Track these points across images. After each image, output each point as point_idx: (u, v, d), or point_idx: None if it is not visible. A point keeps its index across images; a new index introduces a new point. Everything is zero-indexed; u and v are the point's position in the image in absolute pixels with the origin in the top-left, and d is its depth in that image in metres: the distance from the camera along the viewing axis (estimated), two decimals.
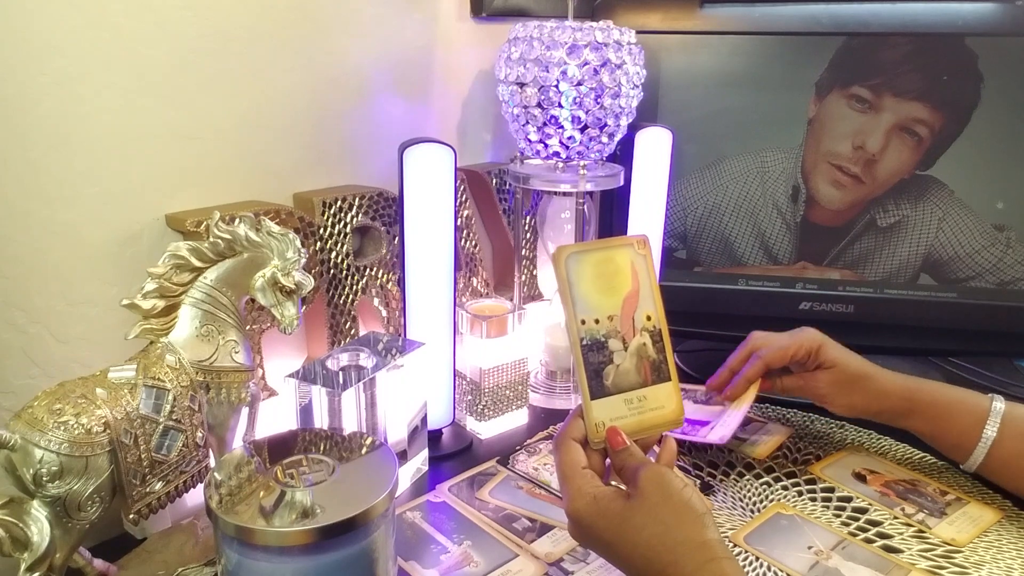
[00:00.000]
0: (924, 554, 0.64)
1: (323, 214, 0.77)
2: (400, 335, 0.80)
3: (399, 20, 0.85)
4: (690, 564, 0.47)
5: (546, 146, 0.81)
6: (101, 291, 0.66)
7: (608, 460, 0.54)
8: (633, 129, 0.85)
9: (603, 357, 0.54)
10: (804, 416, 0.87)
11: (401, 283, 0.77)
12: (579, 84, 0.76)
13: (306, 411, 0.65)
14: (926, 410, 0.71)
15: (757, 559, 0.63)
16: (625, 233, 0.89)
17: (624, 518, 0.49)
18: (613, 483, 0.54)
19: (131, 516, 0.56)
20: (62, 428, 0.51)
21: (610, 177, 0.83)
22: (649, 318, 0.55)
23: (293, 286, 0.62)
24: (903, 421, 0.73)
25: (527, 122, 0.80)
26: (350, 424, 0.65)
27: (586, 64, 0.75)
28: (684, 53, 0.91)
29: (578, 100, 0.77)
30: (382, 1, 0.82)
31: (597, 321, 0.54)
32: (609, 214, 0.92)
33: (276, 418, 0.73)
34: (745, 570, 0.62)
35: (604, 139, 0.81)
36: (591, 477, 0.52)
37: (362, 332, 0.82)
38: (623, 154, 0.87)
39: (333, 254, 0.78)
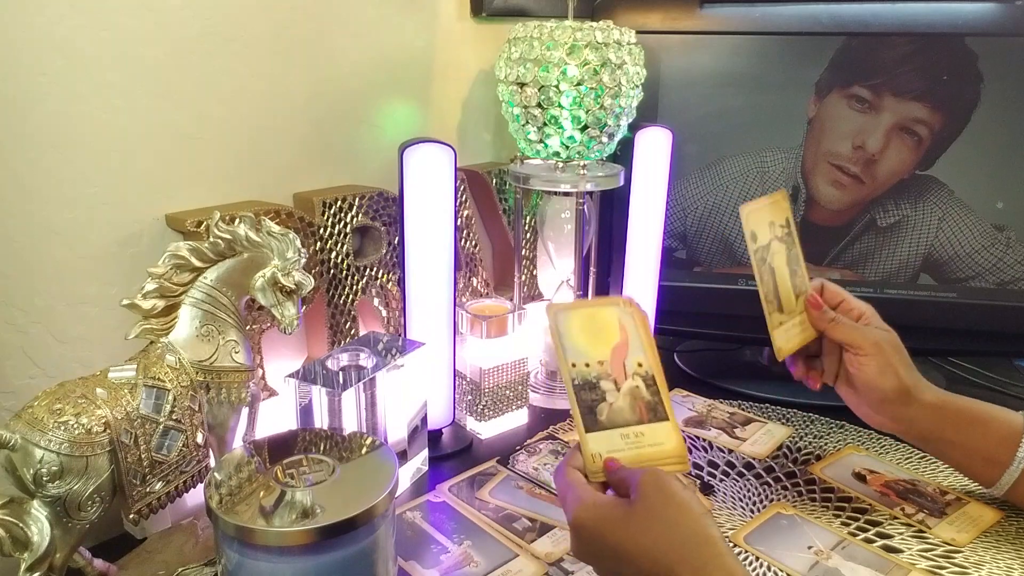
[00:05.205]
0: (924, 554, 0.64)
1: (323, 214, 0.77)
2: (400, 335, 0.80)
3: (399, 20, 0.85)
4: (697, 560, 0.47)
5: (546, 146, 0.81)
6: (101, 291, 0.66)
7: (609, 490, 0.55)
8: (633, 129, 0.85)
9: (595, 395, 0.55)
10: (804, 416, 0.87)
11: (401, 283, 0.77)
12: (579, 84, 0.76)
13: (306, 411, 0.65)
14: (955, 419, 0.66)
15: (757, 559, 0.63)
16: (625, 233, 0.89)
17: (627, 522, 0.49)
18: None
19: (131, 516, 0.56)
20: (62, 428, 0.51)
21: (610, 177, 0.83)
22: (640, 364, 0.57)
23: (293, 286, 0.62)
24: (928, 444, 0.69)
25: (527, 122, 0.80)
26: (350, 424, 0.65)
27: (586, 64, 0.75)
28: (684, 53, 0.91)
29: (578, 100, 0.77)
30: (382, 1, 0.82)
31: (587, 365, 0.56)
32: (609, 214, 0.92)
33: (276, 418, 0.73)
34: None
35: (604, 139, 0.81)
36: (591, 488, 0.53)
37: (362, 332, 0.82)
38: (623, 154, 0.87)
39: (333, 254, 0.78)
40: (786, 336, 0.70)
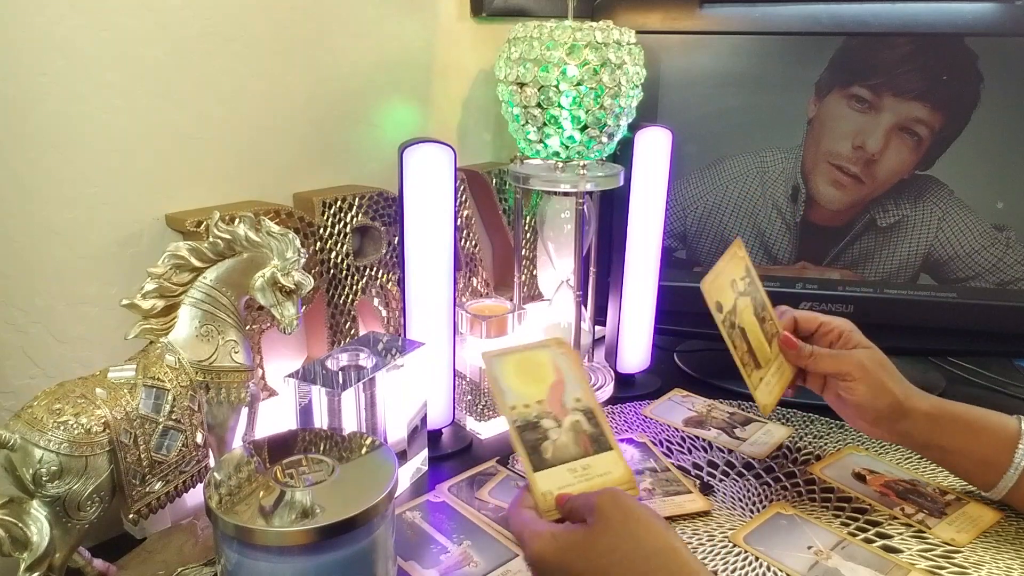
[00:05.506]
0: (924, 554, 0.64)
1: (323, 214, 0.77)
2: (400, 335, 0.80)
3: (399, 20, 0.85)
4: (665, 571, 0.47)
5: (546, 146, 0.81)
6: (101, 291, 0.66)
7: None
8: (633, 129, 0.85)
9: (538, 434, 0.57)
10: (804, 416, 0.87)
11: (401, 283, 0.77)
12: (579, 84, 0.76)
13: (306, 411, 0.65)
14: (950, 426, 0.66)
15: (757, 559, 0.63)
16: (625, 233, 0.89)
17: (590, 545, 0.49)
18: None
19: (131, 516, 0.56)
20: (62, 428, 0.51)
21: (610, 177, 0.83)
22: (578, 400, 0.59)
23: (293, 286, 0.62)
24: (927, 451, 0.70)
25: (527, 122, 0.80)
26: (350, 424, 0.65)
27: (586, 64, 0.75)
28: (684, 53, 0.91)
29: (578, 100, 0.77)
30: (382, 1, 0.82)
31: (527, 406, 0.57)
32: (609, 214, 0.92)
33: (276, 418, 0.73)
34: (745, 570, 0.62)
35: (604, 139, 0.81)
36: (545, 522, 0.52)
37: (362, 332, 0.82)
38: (623, 154, 0.87)
39: (333, 254, 0.78)
40: (768, 390, 0.71)
